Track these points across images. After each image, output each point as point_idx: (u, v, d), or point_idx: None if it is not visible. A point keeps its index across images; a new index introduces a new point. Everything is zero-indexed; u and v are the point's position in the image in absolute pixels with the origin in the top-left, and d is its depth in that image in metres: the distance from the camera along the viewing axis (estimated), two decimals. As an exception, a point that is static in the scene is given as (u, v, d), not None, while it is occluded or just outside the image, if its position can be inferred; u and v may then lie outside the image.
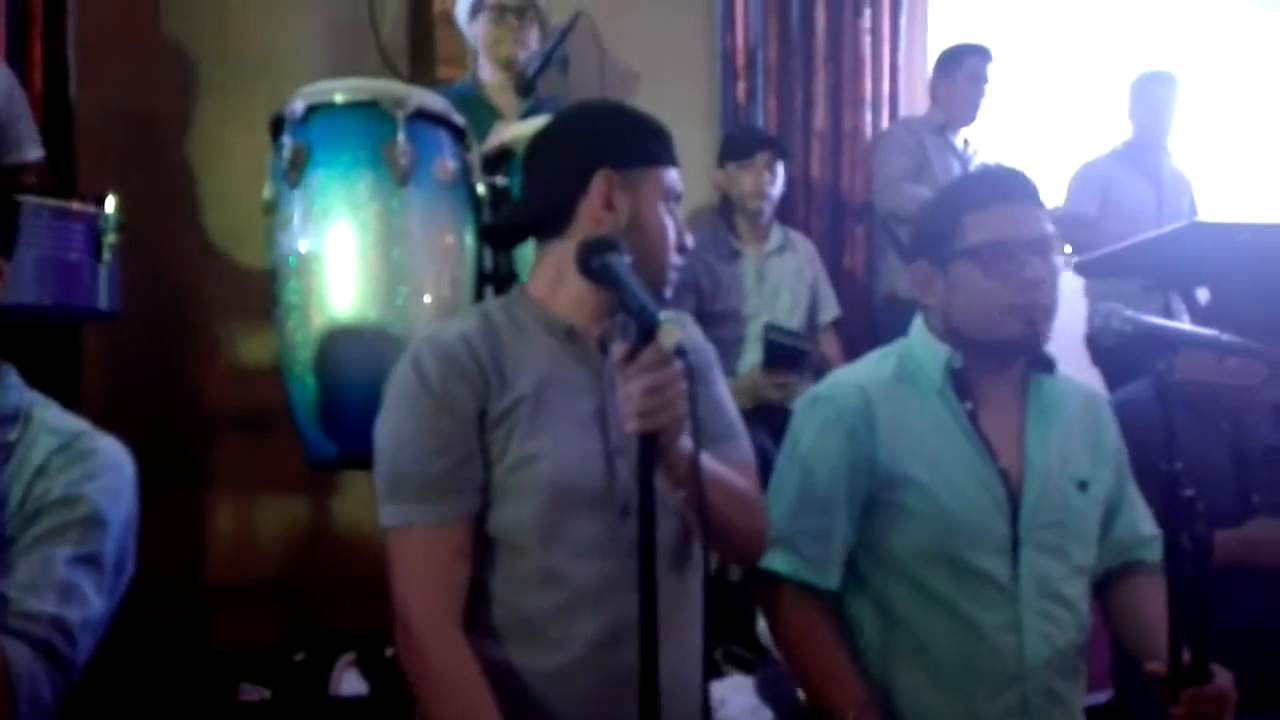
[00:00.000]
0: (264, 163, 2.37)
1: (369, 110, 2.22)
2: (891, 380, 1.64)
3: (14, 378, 1.30)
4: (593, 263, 1.34)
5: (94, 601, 1.20)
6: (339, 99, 2.23)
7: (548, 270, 1.49)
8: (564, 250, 1.46)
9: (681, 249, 1.52)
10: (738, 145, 3.34)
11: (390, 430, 1.41)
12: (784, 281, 3.23)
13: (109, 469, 1.27)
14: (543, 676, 1.38)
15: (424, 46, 3.36)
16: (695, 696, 1.48)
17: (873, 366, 1.69)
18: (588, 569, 1.39)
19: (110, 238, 2.03)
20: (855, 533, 1.60)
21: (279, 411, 2.51)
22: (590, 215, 1.45)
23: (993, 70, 3.60)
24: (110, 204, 2.04)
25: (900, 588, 1.59)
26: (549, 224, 1.48)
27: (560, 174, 1.47)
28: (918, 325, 1.69)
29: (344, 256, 2.20)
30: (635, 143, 1.48)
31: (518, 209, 1.55)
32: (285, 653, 2.49)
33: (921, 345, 1.67)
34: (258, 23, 3.14)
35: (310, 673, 2.37)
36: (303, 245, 2.22)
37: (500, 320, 1.46)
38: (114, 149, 2.92)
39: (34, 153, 2.61)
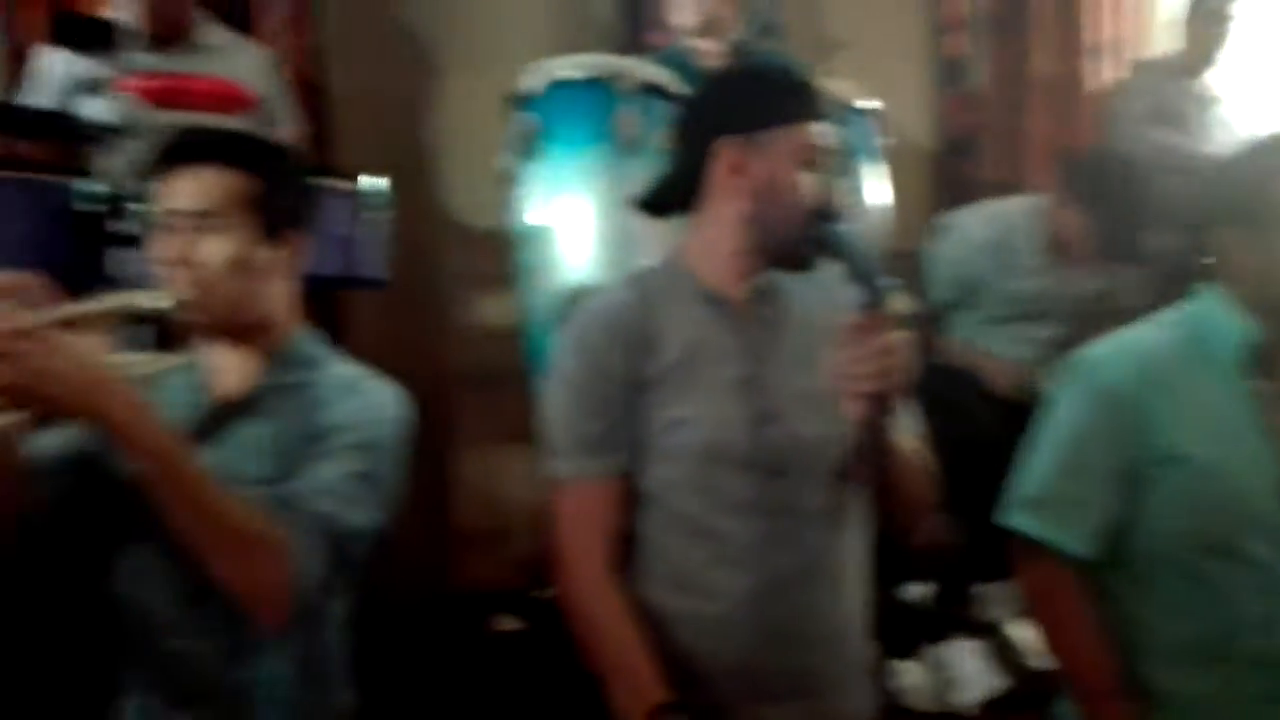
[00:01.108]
0: (500, 138, 2.54)
1: (598, 85, 2.35)
2: (1177, 350, 1.54)
3: (310, 333, 1.52)
4: (812, 234, 1.40)
5: (366, 514, 1.37)
6: (571, 75, 2.37)
7: (695, 239, 1.53)
8: (706, 219, 1.51)
9: (823, 210, 1.46)
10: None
11: (554, 391, 1.51)
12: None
13: (385, 405, 1.46)
14: (697, 623, 1.45)
15: (637, 12, 3.46)
16: (857, 653, 1.53)
17: (1155, 334, 1.58)
18: (739, 526, 1.44)
19: (374, 213, 2.22)
20: (1118, 504, 1.53)
21: (515, 369, 2.69)
22: (721, 184, 1.47)
23: (1239, 9, 3.36)
24: (372, 181, 2.23)
25: (1163, 565, 1.53)
26: (689, 194, 1.52)
27: (690, 145, 1.51)
28: (1211, 293, 1.56)
29: (576, 224, 2.35)
30: (759, 105, 1.48)
31: (662, 181, 1.60)
32: (530, 591, 2.67)
33: (1217, 315, 1.54)
34: (486, 2, 3.31)
35: (554, 610, 2.53)
36: (536, 214, 2.38)
37: (655, 286, 1.52)
38: (364, 129, 3.17)
39: (293, 130, 2.82)
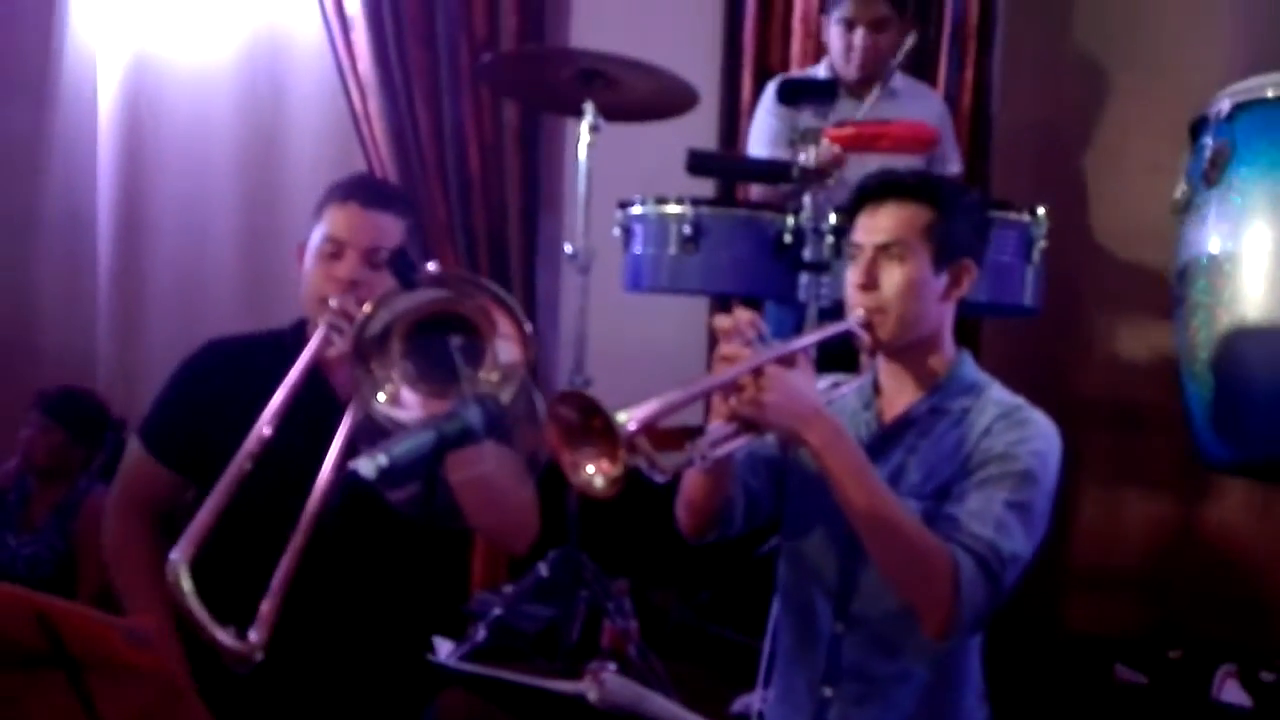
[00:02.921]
0: (1159, 165, 2.40)
1: (1307, 104, 2.12)
2: None
3: (969, 358, 1.62)
4: None
5: (1021, 541, 1.44)
6: (1270, 94, 2.17)
7: None
8: None
9: None
10: None
11: None
12: None
13: (1041, 437, 1.51)
14: None
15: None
16: None
17: None
18: None
19: (1041, 243, 2.25)
20: None
21: (1153, 408, 2.51)
22: None
23: None
24: (1040, 212, 2.26)
25: None
26: None
27: None
28: None
29: (1260, 256, 2.14)
30: None
31: None
32: (1153, 646, 2.51)
33: None
34: (1171, 25, 3.11)
35: (1188, 672, 2.35)
36: (1216, 244, 2.21)
37: None
38: (1022, 158, 3.20)
39: (954, 167, 2.97)
